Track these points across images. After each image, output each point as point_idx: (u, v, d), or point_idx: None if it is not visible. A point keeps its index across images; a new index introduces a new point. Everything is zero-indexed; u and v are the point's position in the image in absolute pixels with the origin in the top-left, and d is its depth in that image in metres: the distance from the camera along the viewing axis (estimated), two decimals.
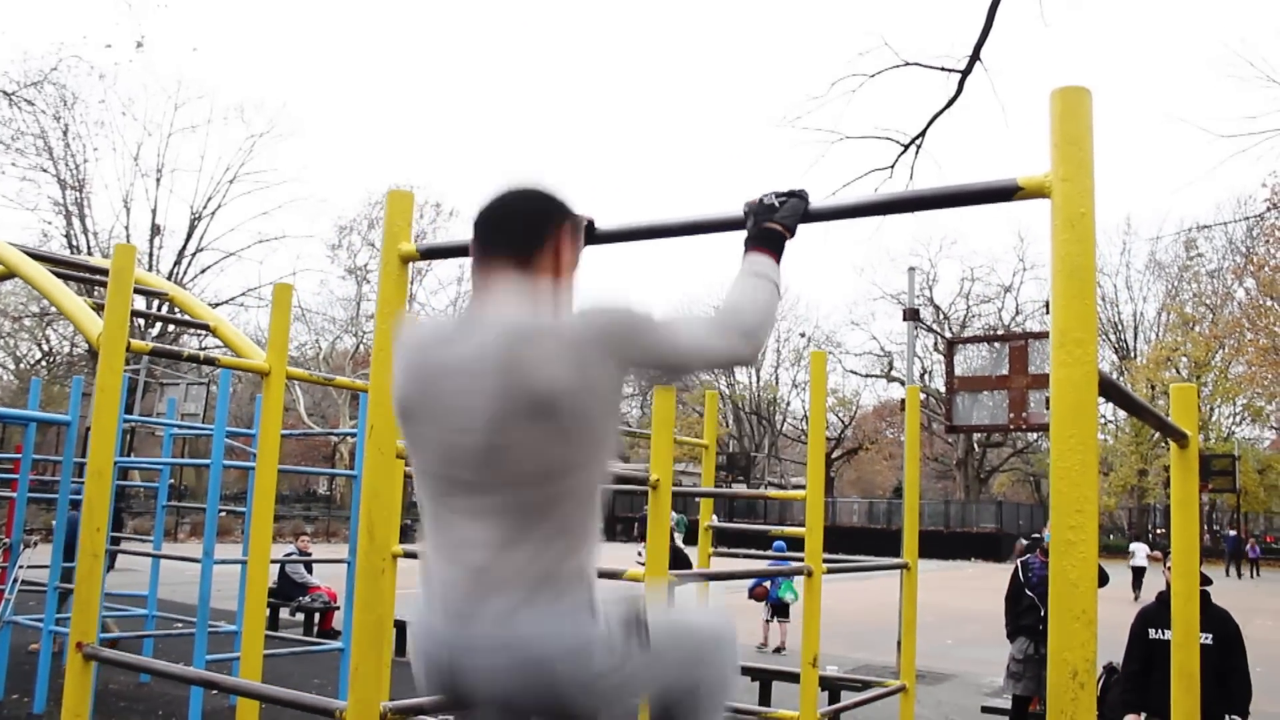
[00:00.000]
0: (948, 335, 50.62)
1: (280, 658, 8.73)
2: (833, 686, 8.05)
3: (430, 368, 1.89)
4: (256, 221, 58.47)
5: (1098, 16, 69.42)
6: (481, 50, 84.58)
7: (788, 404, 59.46)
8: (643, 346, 1.83)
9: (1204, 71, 68.83)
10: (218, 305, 40.87)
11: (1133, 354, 52.29)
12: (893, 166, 10.99)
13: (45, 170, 36.36)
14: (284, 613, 12.74)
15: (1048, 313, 1.86)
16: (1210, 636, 5.28)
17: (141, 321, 25.26)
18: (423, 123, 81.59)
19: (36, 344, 39.93)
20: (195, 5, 60.27)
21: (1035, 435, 40.91)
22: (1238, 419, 51.26)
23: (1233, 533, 40.86)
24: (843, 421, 57.91)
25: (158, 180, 39.05)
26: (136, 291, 4.45)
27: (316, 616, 12.44)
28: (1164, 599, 5.36)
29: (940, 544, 40.16)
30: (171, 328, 32.30)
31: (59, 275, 4.48)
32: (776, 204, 2.04)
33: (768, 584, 12.25)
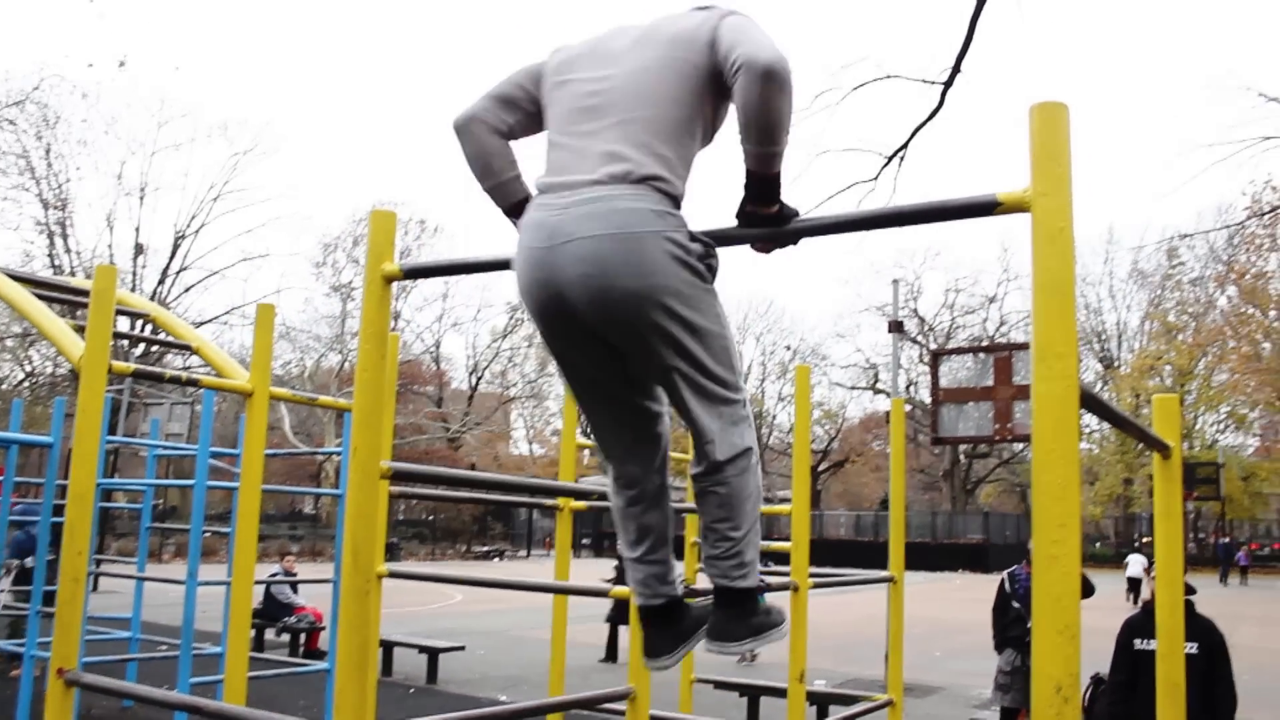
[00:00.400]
0: (933, 347, 50.81)
1: (265, 680, 8.68)
2: (821, 701, 8.05)
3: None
4: (241, 239, 58.44)
5: (1079, 28, 70.01)
6: (466, 67, 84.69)
7: (774, 417, 59.51)
8: None
9: (1185, 81, 69.37)
10: (202, 324, 40.71)
11: (1117, 363, 52.57)
12: (876, 179, 11.04)
13: (27, 189, 36.24)
14: (269, 633, 12.68)
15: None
16: (1195, 646, 5.29)
17: (124, 342, 25.13)
18: (407, 140, 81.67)
19: (19, 364, 39.69)
20: (178, 24, 60.24)
21: (1021, 446, 41.07)
22: (1222, 426, 51.55)
23: (1224, 540, 41.02)
24: (829, 434, 58.00)
25: (141, 199, 38.96)
26: (119, 312, 4.43)
27: (302, 637, 12.38)
28: (1149, 609, 5.37)
29: (927, 555, 40.23)
30: (155, 348, 32.17)
31: (41, 297, 4.46)
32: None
33: None
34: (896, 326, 11.52)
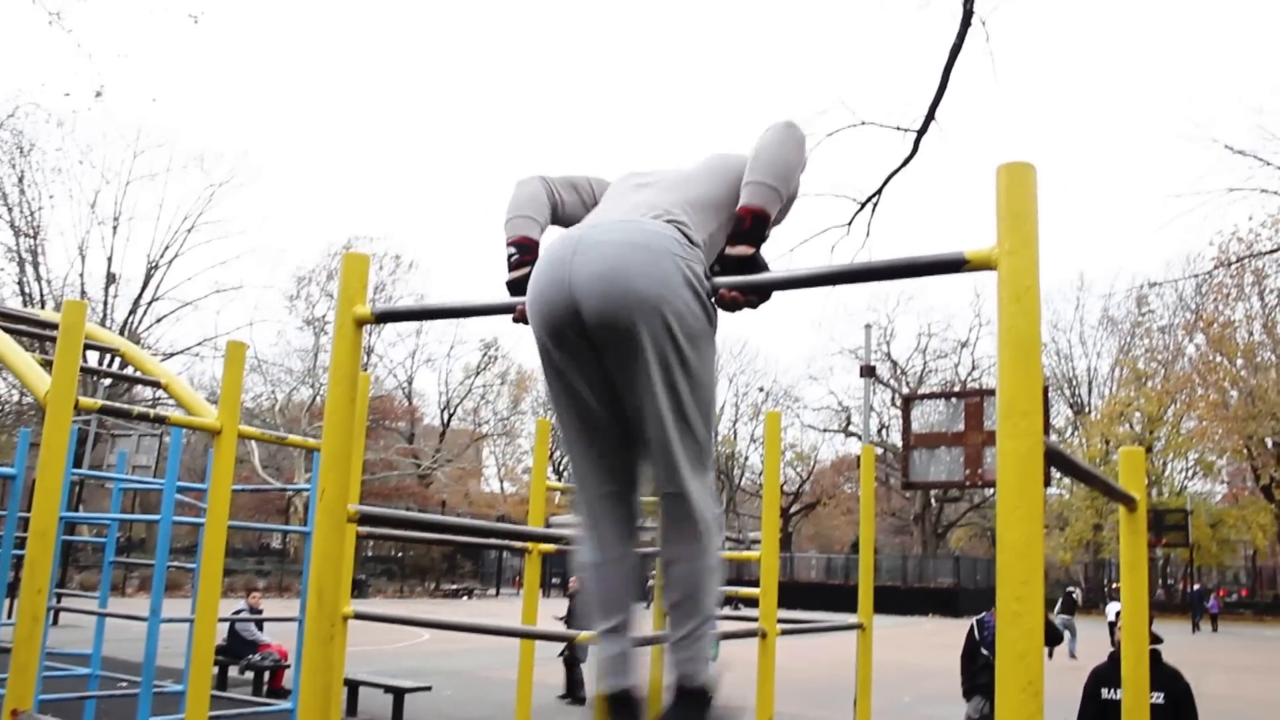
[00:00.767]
0: (905, 391, 51.04)
1: (228, 719, 8.54)
2: None
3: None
4: (214, 271, 57.92)
5: (1052, 77, 71.11)
6: (443, 103, 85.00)
7: (746, 458, 59.52)
8: None
9: (1155, 132, 70.54)
10: (173, 355, 40.40)
11: (1087, 409, 52.95)
12: (849, 224, 11.13)
13: None
14: (233, 671, 12.50)
15: None
16: (1161, 696, 5.31)
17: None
18: (383, 174, 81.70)
19: None
20: (156, 55, 60.22)
21: (992, 491, 41.13)
22: (1190, 473, 51.95)
23: (1196, 588, 41.18)
24: (801, 476, 58.04)
25: (115, 228, 38.75)
26: (87, 346, 4.40)
27: (266, 675, 12.21)
28: (1116, 658, 5.38)
29: (898, 599, 40.18)
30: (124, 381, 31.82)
31: (8, 330, 4.42)
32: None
33: None
34: (868, 371, 11.59)
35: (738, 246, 2.29)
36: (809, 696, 13.13)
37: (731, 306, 2.29)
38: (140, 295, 39.40)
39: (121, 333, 38.02)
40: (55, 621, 15.40)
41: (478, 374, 53.84)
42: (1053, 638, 7.93)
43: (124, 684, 9.41)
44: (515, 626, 3.90)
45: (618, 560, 2.35)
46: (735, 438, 59.23)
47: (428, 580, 45.44)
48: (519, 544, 5.01)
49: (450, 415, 54.95)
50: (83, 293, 38.02)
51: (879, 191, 10.84)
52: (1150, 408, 47.67)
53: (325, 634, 2.62)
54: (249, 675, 12.52)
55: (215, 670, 8.92)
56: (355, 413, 2.60)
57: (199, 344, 40.60)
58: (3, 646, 7.78)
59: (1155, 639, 4.52)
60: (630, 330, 2.12)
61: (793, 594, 36.48)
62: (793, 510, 56.70)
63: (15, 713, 3.17)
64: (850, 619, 5.41)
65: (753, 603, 4.76)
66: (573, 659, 12.46)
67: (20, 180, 36.23)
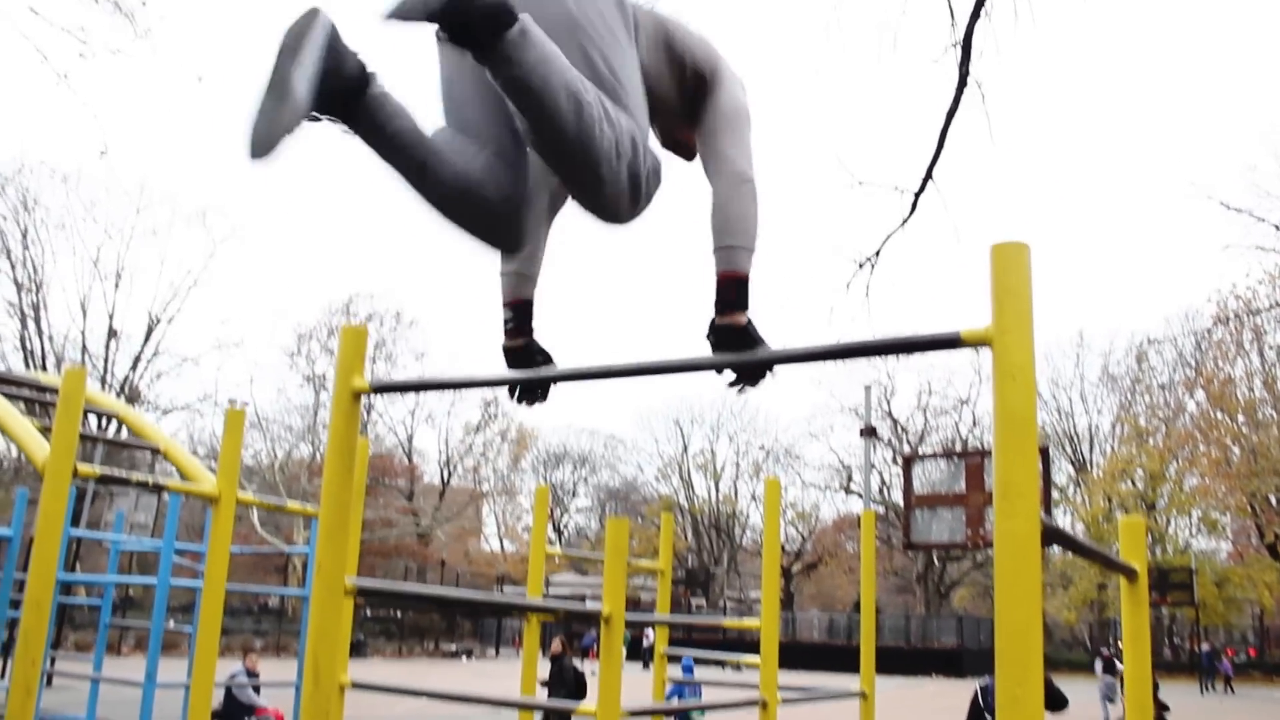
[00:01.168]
0: (906, 449, 50.92)
1: None
2: None
3: None
4: (215, 327, 58.23)
5: (1048, 135, 71.76)
6: None
7: (747, 517, 59.26)
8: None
9: (1151, 190, 71.09)
10: (172, 411, 40.36)
11: (1089, 466, 52.76)
12: (849, 285, 11.18)
13: (1, 272, 36.17)
14: None
15: None
16: None
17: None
18: (383, 230, 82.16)
19: None
20: (160, 113, 60.93)
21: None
22: (1194, 531, 51.64)
23: (1205, 648, 40.69)
24: (802, 535, 57.73)
25: (117, 284, 38.88)
26: (86, 410, 4.40)
27: None
28: None
29: (901, 660, 39.74)
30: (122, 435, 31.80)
31: (7, 395, 4.42)
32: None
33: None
34: (869, 432, 11.58)
35: (729, 316, 2.21)
36: None
37: (743, 388, 2.29)
38: (141, 351, 39.47)
39: (122, 388, 38.07)
40: (49, 683, 15.24)
41: (478, 432, 53.76)
42: (1055, 702, 7.84)
43: None
44: (515, 698, 3.86)
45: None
46: (736, 495, 59.03)
47: (427, 641, 45.02)
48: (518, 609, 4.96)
49: (450, 473, 54.79)
50: (84, 348, 38.10)
51: (877, 252, 10.90)
52: (1152, 465, 47.50)
53: (322, 710, 2.60)
54: None
55: None
56: (353, 483, 2.60)
57: (199, 400, 40.61)
58: None
59: (1163, 706, 4.48)
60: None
61: (795, 655, 36.09)
62: (794, 569, 56.34)
63: None
64: (853, 685, 5.35)
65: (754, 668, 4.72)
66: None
67: (24, 236, 36.48)
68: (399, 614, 46.23)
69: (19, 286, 36.71)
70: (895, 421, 53.40)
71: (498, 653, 46.16)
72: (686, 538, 57.33)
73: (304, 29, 1.86)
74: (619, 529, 3.72)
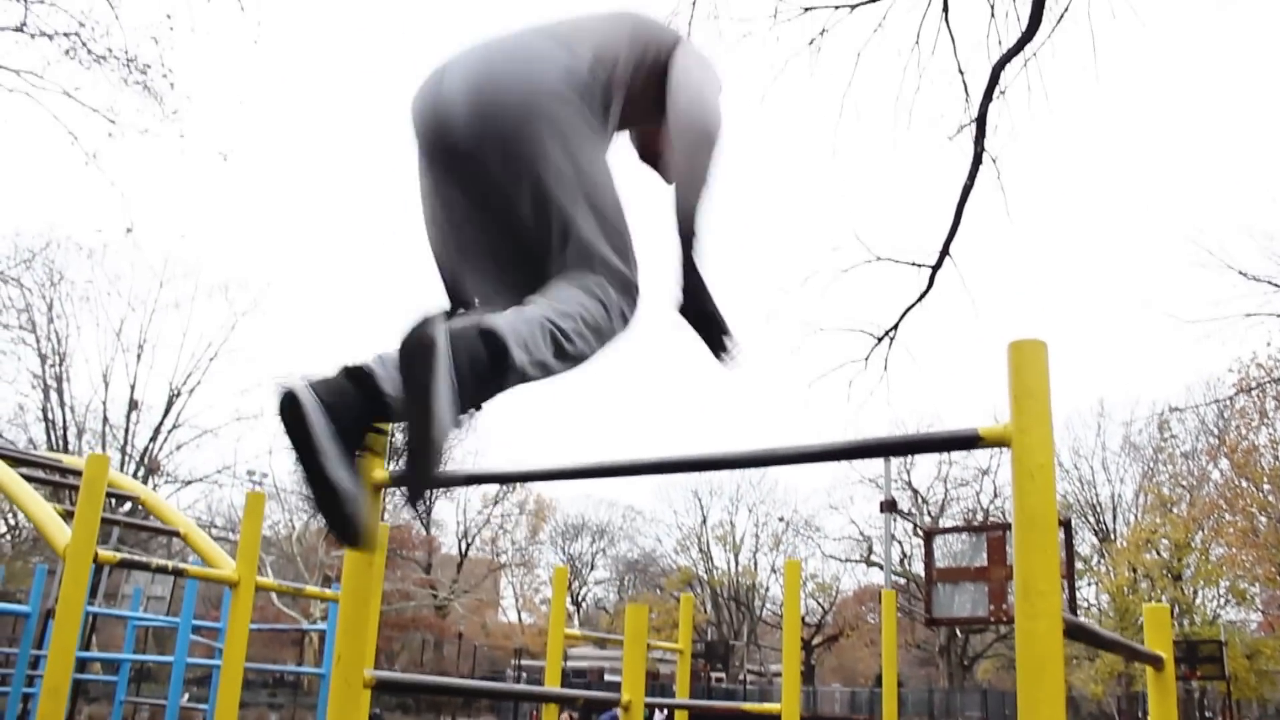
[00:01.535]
0: (927, 518, 50.48)
1: None
2: None
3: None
4: (235, 399, 58.57)
5: (1065, 205, 72.08)
6: None
7: (766, 589, 58.63)
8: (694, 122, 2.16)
9: (1169, 259, 71.10)
10: (192, 482, 40.43)
11: (1113, 535, 52.12)
12: (867, 359, 11.20)
13: (26, 344, 36.57)
14: None
15: None
16: None
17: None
18: (403, 301, 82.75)
19: (2, 518, 39.28)
20: (185, 190, 61.93)
21: None
22: (1222, 601, 50.77)
23: None
24: (822, 607, 57.03)
25: (139, 356, 39.24)
26: (107, 494, 4.42)
27: None
28: None
29: None
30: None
31: (29, 478, 4.46)
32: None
33: None
34: (889, 506, 11.52)
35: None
36: None
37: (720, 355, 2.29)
38: (161, 422, 39.67)
39: (142, 459, 38.22)
40: None
41: (496, 504, 53.61)
42: None
43: None
44: None
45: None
46: (756, 568, 58.45)
47: (444, 715, 44.51)
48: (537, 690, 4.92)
49: (468, 545, 54.56)
50: (105, 419, 38.35)
51: (895, 326, 10.93)
52: (1177, 534, 46.88)
53: None
54: None
55: None
56: (373, 575, 2.60)
57: (218, 472, 40.68)
58: None
59: None
60: (511, 136, 1.94)
61: None
62: (815, 642, 55.58)
63: None
64: None
65: None
66: None
67: (50, 309, 36.94)
68: None
69: (43, 359, 37.11)
70: (915, 492, 52.99)
71: None
72: (706, 610, 56.73)
73: (427, 361, 1.77)
74: (639, 615, 3.70)
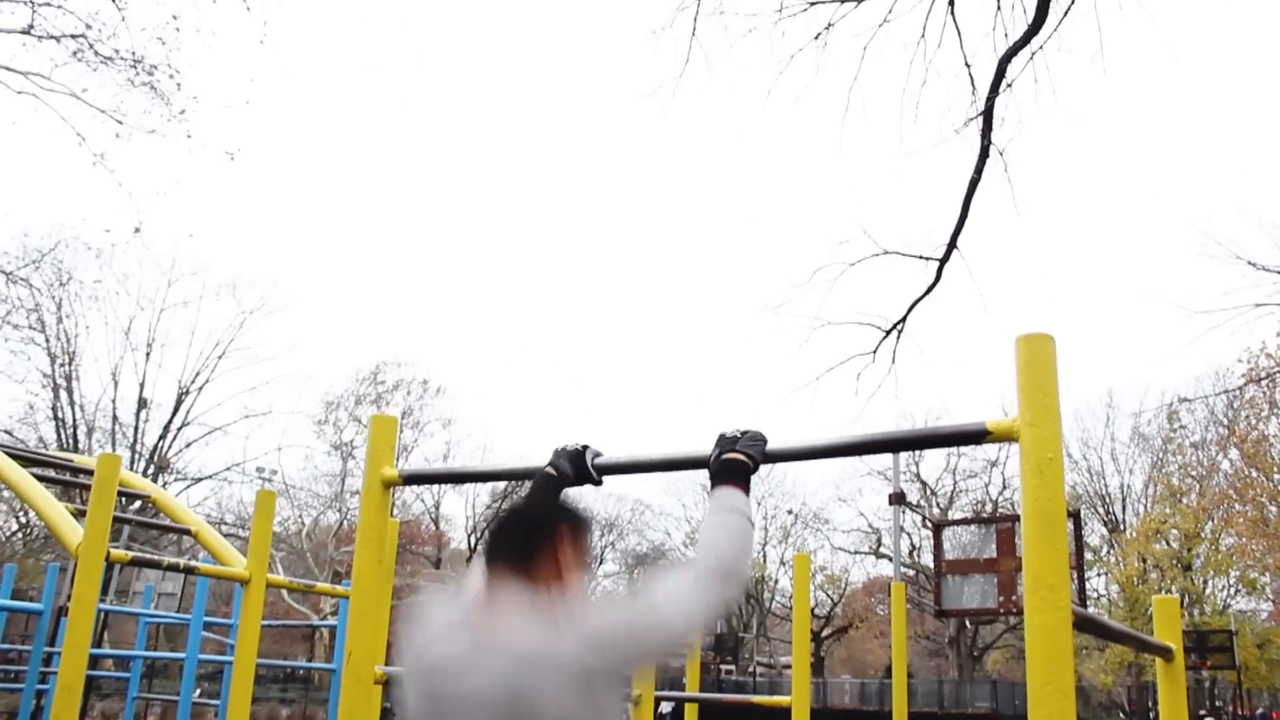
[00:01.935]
0: (936, 510, 50.42)
1: None
2: None
3: (439, 697, 1.89)
4: (243, 396, 58.62)
5: (1073, 199, 71.83)
6: (469, 229, 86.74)
7: (775, 582, 58.61)
8: (641, 649, 1.85)
9: (1177, 249, 70.88)
10: (201, 479, 40.54)
11: (1122, 526, 52.02)
12: (875, 352, 11.17)
13: (36, 344, 36.67)
14: None
15: None
16: None
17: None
18: (410, 297, 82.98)
19: (14, 515, 39.42)
20: (193, 189, 62.03)
21: None
22: (1232, 591, 50.65)
23: (1260, 710, 39.62)
24: (832, 599, 57.02)
25: (147, 354, 39.35)
26: (118, 493, 4.44)
27: None
28: None
29: None
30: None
31: (39, 478, 4.48)
32: (737, 434, 2.10)
33: None
34: (898, 499, 11.51)
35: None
36: None
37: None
38: (170, 420, 39.78)
39: (152, 457, 38.33)
40: None
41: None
42: None
43: None
44: None
45: None
46: (765, 560, 58.43)
47: None
48: None
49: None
50: (114, 418, 38.46)
51: (903, 319, 10.90)
52: (1187, 524, 46.78)
53: None
54: None
55: None
56: (383, 572, 2.62)
57: (227, 469, 40.78)
58: None
59: None
60: None
61: None
62: (824, 634, 55.58)
63: None
64: None
65: None
66: None
67: (59, 308, 37.04)
68: None
69: (53, 358, 37.21)
70: (924, 484, 52.93)
71: None
72: None
73: None
74: None
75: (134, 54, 12.99)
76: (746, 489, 2.07)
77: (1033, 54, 9.25)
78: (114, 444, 38.36)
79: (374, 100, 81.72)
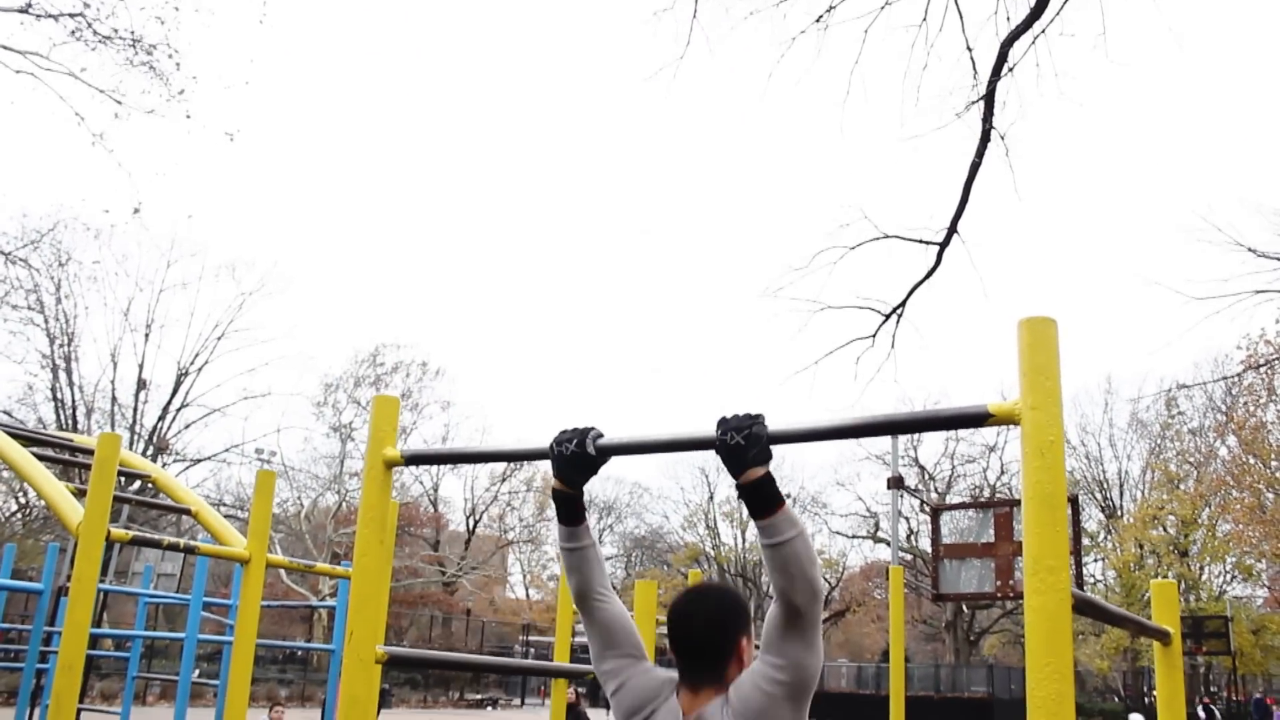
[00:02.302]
0: (934, 494, 50.51)
1: None
2: None
3: None
4: (243, 378, 58.68)
5: (1074, 184, 71.71)
6: (469, 210, 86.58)
7: None
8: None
9: (1177, 236, 70.75)
10: (201, 461, 40.59)
11: (1120, 512, 52.14)
12: (874, 336, 11.18)
13: (35, 324, 36.65)
14: None
15: None
16: None
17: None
18: (409, 279, 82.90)
19: (13, 496, 39.46)
20: (192, 170, 61.85)
21: None
22: (1229, 577, 50.80)
23: (1258, 696, 39.71)
24: (829, 583, 57.21)
25: (146, 335, 39.35)
26: (118, 473, 4.45)
27: None
28: None
29: (931, 710, 39.17)
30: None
31: (40, 457, 4.48)
32: (742, 441, 2.08)
33: None
34: (896, 483, 11.53)
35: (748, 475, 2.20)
36: None
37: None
38: (170, 401, 39.81)
39: (150, 438, 38.37)
40: None
41: (503, 481, 53.74)
42: None
43: None
44: None
45: None
46: None
47: (452, 690, 44.77)
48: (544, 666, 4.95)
49: (476, 522, 54.73)
50: (113, 399, 38.48)
51: (903, 303, 10.90)
52: (1184, 511, 46.88)
53: None
54: None
55: None
56: (385, 553, 2.62)
57: (226, 450, 40.83)
58: None
59: None
60: None
61: (824, 704, 35.75)
62: (823, 618, 55.85)
63: None
64: None
65: None
66: None
67: (58, 289, 37.01)
68: None
69: (52, 339, 37.21)
70: (922, 469, 53.02)
71: (522, 703, 45.85)
72: None
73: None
74: (648, 591, 3.72)
75: (133, 33, 12.94)
76: (780, 502, 2.16)
77: (1035, 38, 9.22)
78: (113, 425, 38.37)
79: (374, 81, 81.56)
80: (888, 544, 43.99)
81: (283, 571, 39.08)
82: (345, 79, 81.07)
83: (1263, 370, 33.27)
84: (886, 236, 10.95)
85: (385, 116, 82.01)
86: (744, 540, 59.06)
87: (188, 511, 4.57)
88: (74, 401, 37.74)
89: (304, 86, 72.73)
